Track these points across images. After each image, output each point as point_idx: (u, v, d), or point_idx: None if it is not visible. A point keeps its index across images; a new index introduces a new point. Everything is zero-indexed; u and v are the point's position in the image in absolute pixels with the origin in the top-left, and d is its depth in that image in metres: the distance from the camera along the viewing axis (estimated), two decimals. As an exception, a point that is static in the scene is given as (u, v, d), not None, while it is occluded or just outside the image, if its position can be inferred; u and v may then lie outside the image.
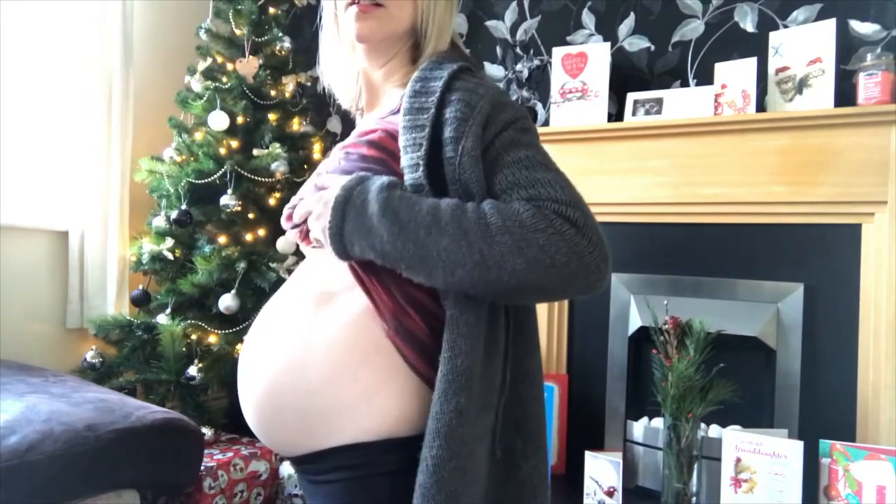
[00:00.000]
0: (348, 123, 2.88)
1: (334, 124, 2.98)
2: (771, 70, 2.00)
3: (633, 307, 2.14)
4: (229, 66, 2.41)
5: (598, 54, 2.23)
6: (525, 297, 0.73)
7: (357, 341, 0.74)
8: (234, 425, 2.40)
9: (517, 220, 0.66)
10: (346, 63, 0.95)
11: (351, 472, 0.74)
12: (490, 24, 2.64)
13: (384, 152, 0.77)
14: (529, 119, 0.78)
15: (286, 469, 2.13)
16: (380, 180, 0.72)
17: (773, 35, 2.01)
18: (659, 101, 2.13)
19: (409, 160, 0.73)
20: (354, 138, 0.83)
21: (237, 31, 2.44)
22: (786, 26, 2.07)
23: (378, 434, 0.73)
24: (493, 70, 2.64)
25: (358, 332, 0.74)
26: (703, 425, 1.94)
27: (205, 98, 2.32)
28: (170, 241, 2.25)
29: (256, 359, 0.80)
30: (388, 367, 0.74)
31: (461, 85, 0.76)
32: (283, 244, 2.31)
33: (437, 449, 0.68)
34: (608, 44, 2.27)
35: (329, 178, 0.80)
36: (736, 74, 2.02)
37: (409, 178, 0.73)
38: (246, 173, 2.28)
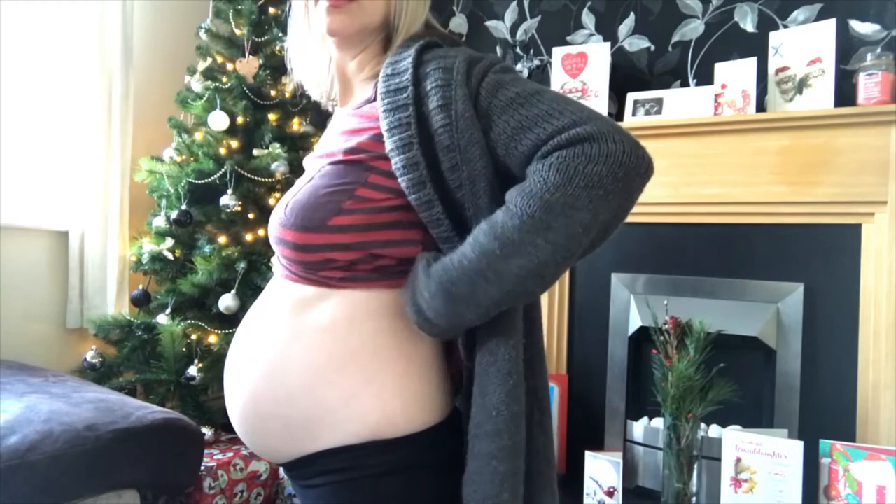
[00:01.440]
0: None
1: (334, 124, 2.98)
2: (771, 70, 2.00)
3: (633, 307, 2.14)
4: (229, 66, 2.41)
5: (598, 54, 2.23)
6: (618, 223, 0.70)
7: (334, 347, 0.74)
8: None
9: (548, 188, 0.64)
10: (316, 55, 0.93)
11: (337, 476, 0.74)
12: (490, 24, 2.64)
13: (362, 153, 0.75)
14: (507, 63, 0.77)
15: (286, 469, 2.13)
16: (415, 280, 0.72)
17: (773, 35, 2.02)
18: (659, 101, 2.13)
19: (399, 140, 0.72)
20: (335, 138, 0.81)
21: (237, 31, 2.44)
22: (786, 26, 2.07)
23: (360, 437, 0.73)
24: (493, 70, 2.64)
25: (335, 339, 0.75)
26: (703, 425, 1.94)
27: (205, 98, 2.32)
28: (170, 241, 2.25)
29: (238, 368, 0.81)
30: (365, 372, 0.74)
31: (431, 55, 0.76)
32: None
33: (505, 433, 0.69)
34: (608, 44, 2.27)
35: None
36: (736, 74, 2.02)
37: (401, 158, 0.71)
38: (246, 173, 2.28)
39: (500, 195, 0.70)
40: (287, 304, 0.78)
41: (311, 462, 0.76)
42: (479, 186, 0.71)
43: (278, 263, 0.83)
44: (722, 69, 2.06)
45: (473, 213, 0.72)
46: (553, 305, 2.26)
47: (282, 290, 0.80)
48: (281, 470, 2.12)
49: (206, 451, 1.92)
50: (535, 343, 0.79)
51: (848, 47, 1.96)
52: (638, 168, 0.65)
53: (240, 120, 2.35)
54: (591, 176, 0.63)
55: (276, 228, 0.78)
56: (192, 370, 2.07)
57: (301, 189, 0.77)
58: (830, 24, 1.89)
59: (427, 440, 0.75)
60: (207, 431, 2.10)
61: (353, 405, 0.73)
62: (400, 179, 0.72)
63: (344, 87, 0.91)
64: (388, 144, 0.72)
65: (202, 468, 1.87)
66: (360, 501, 0.74)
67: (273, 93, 2.44)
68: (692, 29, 2.23)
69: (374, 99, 0.78)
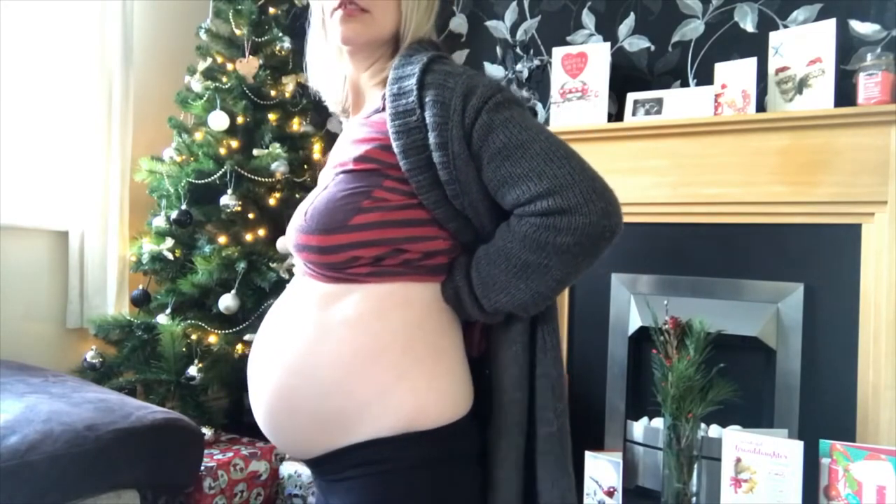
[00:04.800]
0: (348, 123, 2.87)
1: (334, 124, 2.98)
2: (771, 70, 2.00)
3: (633, 307, 2.14)
4: (229, 66, 2.41)
5: (598, 54, 2.23)
6: (588, 267, 0.79)
7: (364, 340, 0.76)
8: (234, 425, 2.40)
9: (525, 249, 0.75)
10: (333, 67, 0.97)
11: (370, 468, 0.75)
12: (490, 24, 2.64)
13: (374, 162, 0.79)
14: (502, 91, 0.78)
15: (286, 469, 2.13)
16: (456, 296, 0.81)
17: (773, 35, 2.01)
18: (659, 101, 2.13)
19: (416, 162, 0.77)
20: (346, 147, 0.85)
21: (237, 31, 2.44)
22: (786, 26, 2.07)
23: (394, 430, 0.75)
24: (493, 70, 2.64)
25: (364, 332, 0.77)
26: (703, 425, 1.94)
27: (205, 98, 2.32)
28: (170, 241, 2.25)
29: (265, 365, 0.82)
30: (398, 365, 0.76)
31: (432, 80, 0.78)
32: (282, 244, 2.31)
33: (554, 416, 0.83)
34: (608, 44, 2.27)
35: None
36: (736, 74, 2.02)
37: (422, 177, 0.77)
38: (246, 173, 2.28)
39: (500, 211, 0.80)
40: (313, 301, 0.80)
41: (341, 456, 0.77)
42: (481, 209, 0.79)
43: (301, 264, 0.85)
44: (722, 69, 2.06)
45: (479, 224, 0.81)
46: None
47: (306, 287, 0.82)
48: (281, 470, 2.12)
49: (206, 451, 1.92)
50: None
51: (848, 47, 1.96)
52: (603, 235, 0.74)
53: (240, 120, 2.35)
54: (559, 245, 0.73)
55: (296, 237, 0.81)
56: (192, 370, 2.07)
57: (317, 197, 0.81)
58: (830, 24, 1.89)
59: (457, 432, 0.78)
60: (207, 431, 2.10)
61: (387, 398, 0.75)
62: (417, 191, 0.78)
63: (356, 97, 0.95)
64: (404, 165, 0.77)
65: (202, 468, 1.87)
66: (393, 493, 0.75)
67: (273, 93, 2.44)
68: (692, 29, 2.23)
69: (383, 109, 0.82)
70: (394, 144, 0.78)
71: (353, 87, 0.95)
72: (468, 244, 0.82)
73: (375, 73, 0.91)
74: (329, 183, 0.82)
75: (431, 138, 0.76)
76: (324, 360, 0.76)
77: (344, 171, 0.80)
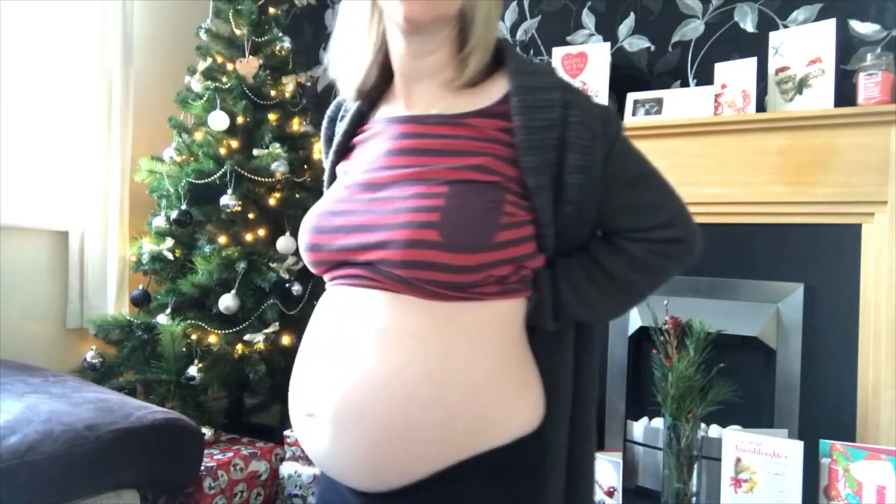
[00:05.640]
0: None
1: (334, 124, 2.98)
2: (771, 70, 2.00)
3: (633, 307, 2.14)
4: (229, 66, 2.40)
5: (598, 54, 2.23)
6: None
7: (491, 360, 0.74)
8: (234, 425, 2.40)
9: (636, 269, 0.83)
10: (362, 45, 0.86)
11: (492, 478, 0.75)
12: (490, 24, 2.64)
13: (495, 174, 0.75)
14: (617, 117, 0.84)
15: (286, 469, 2.13)
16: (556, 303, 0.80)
17: (773, 35, 2.02)
18: (659, 101, 2.13)
19: (546, 180, 0.76)
20: (434, 147, 0.78)
21: (237, 31, 2.44)
22: (786, 26, 2.07)
23: (511, 438, 0.75)
24: (493, 70, 2.64)
25: (489, 351, 0.75)
26: (703, 425, 1.94)
27: (205, 98, 2.32)
28: (170, 241, 2.25)
29: (357, 397, 0.72)
30: (518, 381, 0.77)
31: (572, 98, 0.78)
32: (283, 244, 2.31)
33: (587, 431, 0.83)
34: (608, 44, 2.27)
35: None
36: (736, 74, 2.02)
37: (546, 196, 0.76)
38: (246, 173, 2.28)
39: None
40: (424, 321, 0.73)
41: (449, 473, 0.73)
42: (583, 230, 0.81)
43: (378, 278, 0.75)
44: (722, 69, 2.06)
45: (571, 242, 0.81)
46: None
47: (404, 307, 0.74)
48: (281, 470, 2.12)
49: (206, 451, 1.92)
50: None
51: (848, 47, 1.96)
52: (692, 263, 0.87)
53: (240, 120, 2.35)
54: (664, 269, 0.85)
55: (416, 253, 0.71)
56: (192, 370, 2.07)
57: (448, 210, 0.72)
58: (830, 24, 1.89)
59: (544, 429, 0.79)
60: (207, 431, 2.10)
61: (511, 412, 0.75)
62: (538, 209, 0.76)
63: (408, 85, 0.84)
64: (535, 181, 0.75)
65: (202, 468, 1.87)
66: (521, 494, 0.76)
67: (273, 93, 2.44)
68: (692, 29, 2.23)
69: (487, 115, 0.79)
70: (526, 159, 0.75)
71: (404, 72, 0.83)
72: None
73: (443, 66, 0.82)
74: (433, 192, 0.73)
75: (572, 159, 0.75)
76: (450, 384, 0.71)
77: (461, 182, 0.74)
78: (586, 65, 2.24)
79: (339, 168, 0.89)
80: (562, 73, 0.82)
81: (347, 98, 0.90)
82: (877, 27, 1.95)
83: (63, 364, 2.25)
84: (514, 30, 2.58)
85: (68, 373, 2.08)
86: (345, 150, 0.89)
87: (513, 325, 0.78)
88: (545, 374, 0.80)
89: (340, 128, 0.90)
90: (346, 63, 0.87)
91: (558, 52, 2.30)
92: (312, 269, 0.84)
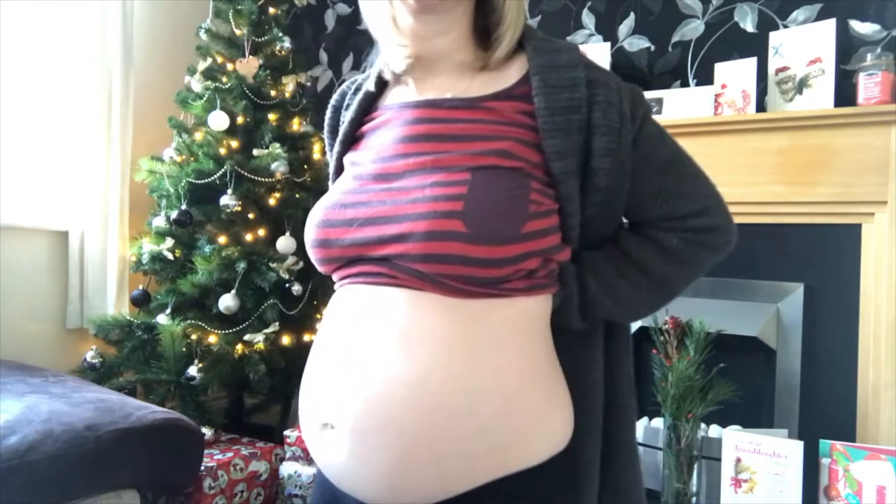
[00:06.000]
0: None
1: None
2: (771, 70, 2.00)
3: (633, 307, 2.14)
4: (229, 66, 2.40)
5: (598, 54, 2.23)
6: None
7: (522, 364, 0.68)
8: (234, 425, 2.40)
9: (672, 261, 0.78)
10: (386, 23, 0.79)
11: (525, 500, 0.68)
12: (490, 24, 2.64)
13: (519, 160, 0.70)
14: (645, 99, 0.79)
15: (286, 469, 2.13)
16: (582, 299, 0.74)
17: (773, 35, 2.02)
18: (659, 101, 2.13)
19: (572, 164, 0.70)
20: (450, 131, 0.72)
21: (237, 31, 2.44)
22: (786, 26, 2.07)
23: (546, 454, 0.68)
24: (493, 70, 2.64)
25: (520, 355, 0.69)
26: (703, 425, 1.94)
27: (205, 98, 2.32)
28: (170, 241, 2.25)
29: (377, 408, 0.66)
30: (549, 386, 0.70)
31: (597, 77, 0.73)
32: (283, 244, 2.31)
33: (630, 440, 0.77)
34: (608, 44, 2.27)
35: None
36: (736, 74, 2.02)
37: (572, 182, 0.70)
38: (246, 173, 2.28)
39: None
40: (451, 322, 0.67)
41: (483, 494, 0.67)
42: (613, 219, 0.77)
43: (396, 274, 0.69)
44: (722, 69, 2.06)
45: (600, 233, 0.76)
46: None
47: (427, 306, 0.67)
48: (281, 470, 2.12)
49: (206, 451, 1.92)
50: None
51: (848, 47, 1.96)
52: (728, 252, 0.82)
53: (240, 120, 2.35)
54: (702, 260, 0.80)
55: (439, 245, 0.65)
56: (192, 370, 2.07)
57: (472, 199, 0.66)
58: (830, 24, 1.89)
59: (576, 441, 0.72)
60: (207, 431, 2.10)
61: (544, 423, 0.69)
62: (564, 196, 0.71)
63: (419, 67, 0.79)
64: (560, 167, 0.70)
65: (202, 468, 1.87)
66: None
67: (273, 93, 2.44)
68: (692, 29, 2.23)
69: (507, 98, 0.74)
70: (549, 143, 0.69)
71: (418, 48, 0.78)
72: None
73: (459, 47, 0.77)
74: (459, 179, 0.67)
75: (600, 142, 0.70)
76: (481, 391, 0.65)
77: (483, 168, 0.68)
78: (586, 65, 2.24)
79: (347, 159, 0.82)
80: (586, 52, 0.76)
81: (398, 65, 0.80)
82: (877, 27, 1.94)
83: (63, 364, 2.25)
84: (514, 30, 2.58)
85: (68, 373, 2.08)
86: (352, 140, 0.83)
87: (542, 325, 0.71)
88: (571, 379, 0.72)
89: (347, 116, 0.85)
90: (381, 33, 0.81)
91: (558, 52, 2.30)
92: (321, 268, 0.77)
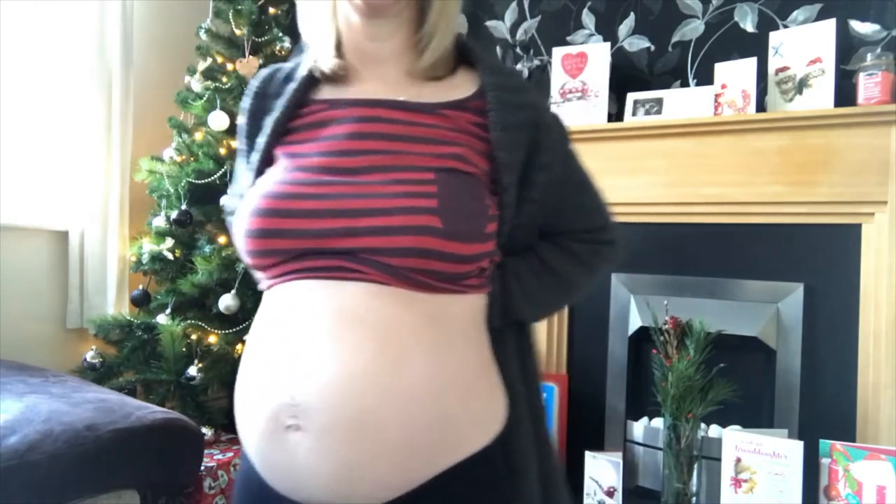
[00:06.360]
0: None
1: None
2: (771, 70, 2.00)
3: (633, 307, 2.14)
4: (229, 66, 2.40)
5: (598, 54, 2.23)
6: None
7: (476, 354, 0.73)
8: (234, 425, 2.39)
9: (578, 269, 0.87)
10: (326, 21, 0.81)
11: (473, 487, 0.71)
12: (490, 24, 2.64)
13: (473, 166, 0.74)
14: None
15: (286, 469, 2.13)
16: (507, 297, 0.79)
17: (773, 35, 2.02)
18: (659, 101, 2.13)
19: (515, 178, 0.76)
20: (400, 135, 0.75)
21: (237, 31, 2.44)
22: (786, 26, 2.07)
23: (488, 440, 0.72)
24: (493, 70, 2.64)
25: (474, 345, 0.74)
26: (703, 425, 1.94)
27: (205, 98, 2.32)
28: (170, 241, 2.25)
29: (364, 407, 0.66)
30: (494, 378, 0.75)
31: (539, 102, 0.83)
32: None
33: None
34: (608, 44, 2.27)
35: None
36: (736, 74, 2.02)
37: (512, 193, 0.75)
38: (246, 173, 2.27)
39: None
40: (418, 316, 0.69)
41: (437, 483, 0.69)
42: (532, 229, 0.82)
43: (361, 268, 0.69)
44: (722, 69, 2.06)
45: (520, 242, 0.81)
46: (553, 305, 2.26)
47: (394, 300, 0.69)
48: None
49: (206, 451, 1.92)
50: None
51: (848, 47, 1.96)
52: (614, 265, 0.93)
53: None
54: (600, 269, 0.90)
55: (416, 240, 0.67)
56: (192, 370, 2.07)
57: (441, 197, 0.69)
58: (830, 24, 1.89)
59: (506, 440, 0.76)
60: (207, 431, 2.10)
61: (489, 409, 0.73)
62: (504, 205, 0.76)
63: (364, 67, 0.81)
64: (508, 178, 0.75)
65: (202, 468, 1.87)
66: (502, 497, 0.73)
67: (273, 93, 2.44)
68: (692, 29, 2.23)
69: (461, 108, 0.78)
70: (500, 154, 0.75)
71: (359, 58, 0.80)
72: None
73: (401, 54, 0.80)
74: (423, 178, 0.70)
75: (542, 159, 0.78)
76: (447, 382, 0.68)
77: (445, 169, 0.71)
78: (586, 65, 2.24)
79: (282, 149, 0.80)
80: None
81: (326, 64, 0.81)
82: (877, 27, 1.94)
83: (63, 364, 2.25)
84: (514, 30, 2.58)
85: (68, 373, 2.08)
86: (285, 131, 0.81)
87: (483, 320, 0.76)
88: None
89: (277, 104, 0.82)
90: (316, 29, 0.82)
91: (558, 52, 2.30)
92: (253, 261, 0.74)
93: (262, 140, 0.81)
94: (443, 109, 0.77)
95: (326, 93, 0.82)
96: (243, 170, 0.87)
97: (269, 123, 0.81)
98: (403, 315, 0.68)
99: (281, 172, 0.76)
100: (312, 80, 0.83)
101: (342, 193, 0.71)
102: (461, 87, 0.80)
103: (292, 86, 0.82)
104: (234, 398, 0.80)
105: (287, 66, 0.88)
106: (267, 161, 0.80)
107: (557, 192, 0.80)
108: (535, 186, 0.77)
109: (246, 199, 0.76)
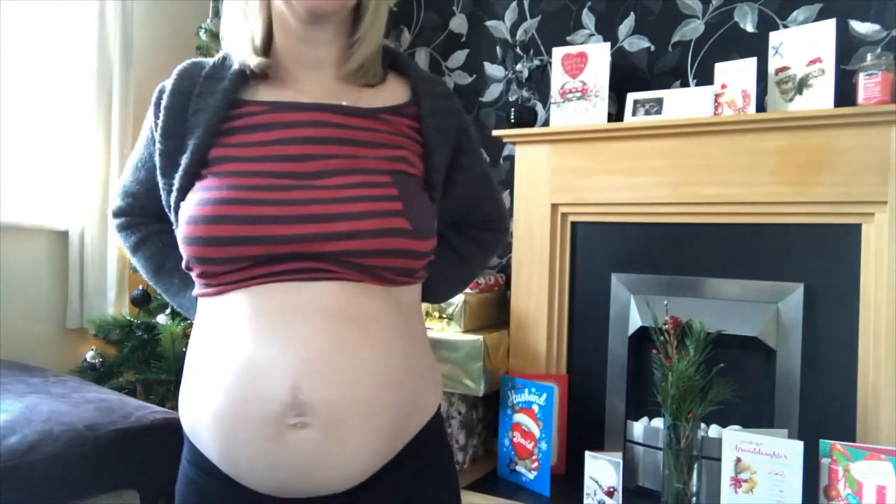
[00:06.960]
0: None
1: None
2: (771, 70, 2.00)
3: (633, 307, 2.14)
4: (229, 66, 2.40)
5: (598, 54, 2.23)
6: None
7: (425, 337, 0.85)
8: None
9: (484, 256, 1.02)
10: (252, 20, 0.80)
11: (436, 449, 0.84)
12: (490, 24, 2.64)
13: (414, 167, 0.81)
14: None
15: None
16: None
17: (773, 35, 2.01)
18: (659, 101, 2.13)
19: (442, 175, 0.85)
20: (355, 138, 0.77)
21: (237, 31, 2.44)
22: (786, 26, 2.07)
23: (431, 413, 0.83)
24: (493, 70, 2.64)
25: (423, 329, 0.85)
26: (703, 425, 1.94)
27: (205, 98, 2.32)
28: (170, 241, 2.25)
29: (364, 397, 0.70)
30: (429, 346, 0.87)
31: (459, 108, 0.90)
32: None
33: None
34: (608, 44, 2.27)
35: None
36: (736, 74, 2.02)
37: (439, 190, 0.84)
38: (246, 173, 2.28)
39: None
40: (387, 307, 0.75)
41: (400, 457, 0.77)
42: (445, 225, 0.91)
43: (335, 269, 0.72)
44: (722, 69, 2.06)
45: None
46: (553, 305, 2.26)
47: (367, 295, 0.73)
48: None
49: (206, 451, 1.91)
50: None
51: (848, 47, 1.96)
52: None
53: (240, 120, 2.35)
54: (494, 255, 1.06)
55: (389, 241, 0.72)
56: (192, 370, 2.07)
57: (405, 201, 0.75)
58: (830, 24, 1.89)
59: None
60: (207, 431, 2.10)
61: (435, 382, 0.85)
62: (435, 201, 0.85)
63: (298, 71, 0.81)
64: (438, 177, 0.84)
65: (202, 468, 1.87)
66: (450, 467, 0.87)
67: (273, 93, 2.44)
68: (692, 29, 2.23)
69: (398, 113, 0.83)
70: (435, 157, 0.82)
71: (294, 62, 0.80)
72: None
73: (338, 61, 0.81)
74: (382, 181, 0.75)
75: (464, 160, 0.87)
76: (414, 363, 0.78)
77: (397, 172, 0.77)
78: (586, 65, 2.24)
79: (217, 152, 0.77)
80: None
81: (250, 61, 0.79)
82: (877, 27, 1.95)
83: (63, 364, 2.25)
84: (514, 30, 2.58)
85: (68, 373, 2.08)
86: (217, 132, 0.78)
87: (419, 302, 0.87)
88: None
89: (203, 105, 0.79)
90: (240, 27, 0.81)
91: (558, 52, 2.30)
92: (209, 267, 0.72)
93: (193, 142, 0.78)
94: (385, 114, 0.81)
95: (263, 94, 0.81)
96: (144, 165, 0.91)
97: (199, 123, 0.78)
98: (380, 307, 0.74)
99: (231, 177, 0.74)
100: (243, 79, 0.81)
101: (309, 199, 0.72)
102: (395, 93, 0.85)
103: (223, 84, 0.80)
104: (191, 411, 0.75)
105: (207, 62, 0.85)
106: (201, 163, 0.77)
107: (475, 188, 0.92)
108: (458, 184, 0.87)
109: (190, 205, 0.73)
